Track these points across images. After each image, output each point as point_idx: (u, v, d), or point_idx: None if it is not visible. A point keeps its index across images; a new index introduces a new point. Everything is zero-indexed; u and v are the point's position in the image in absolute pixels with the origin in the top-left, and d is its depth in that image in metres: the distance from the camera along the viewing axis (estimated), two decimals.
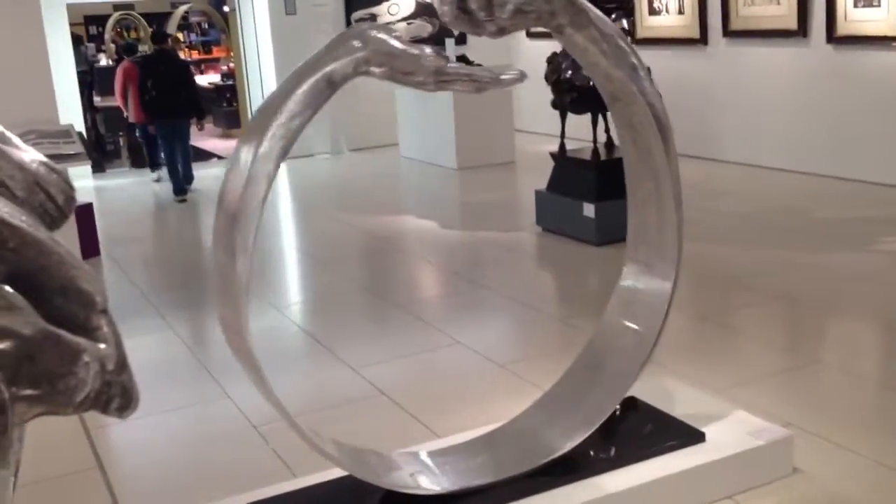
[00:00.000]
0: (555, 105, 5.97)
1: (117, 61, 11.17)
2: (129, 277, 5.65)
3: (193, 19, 18.47)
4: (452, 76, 1.96)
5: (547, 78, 5.95)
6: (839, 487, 2.70)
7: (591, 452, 2.68)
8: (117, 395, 0.90)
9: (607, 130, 5.81)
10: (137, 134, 9.91)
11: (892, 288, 4.55)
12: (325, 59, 1.95)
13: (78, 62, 10.52)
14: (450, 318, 4.53)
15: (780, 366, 3.66)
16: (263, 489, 2.57)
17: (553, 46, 5.86)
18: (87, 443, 3.31)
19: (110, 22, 16.51)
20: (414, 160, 9.47)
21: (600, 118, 5.80)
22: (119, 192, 9.20)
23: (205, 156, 11.14)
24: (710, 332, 4.17)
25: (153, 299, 5.11)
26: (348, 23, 9.93)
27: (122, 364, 0.91)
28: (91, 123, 11.35)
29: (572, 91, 5.67)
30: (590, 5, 2.22)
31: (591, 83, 4.55)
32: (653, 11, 8.70)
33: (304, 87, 1.92)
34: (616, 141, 4.49)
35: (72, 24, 10.48)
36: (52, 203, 0.94)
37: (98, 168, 9.88)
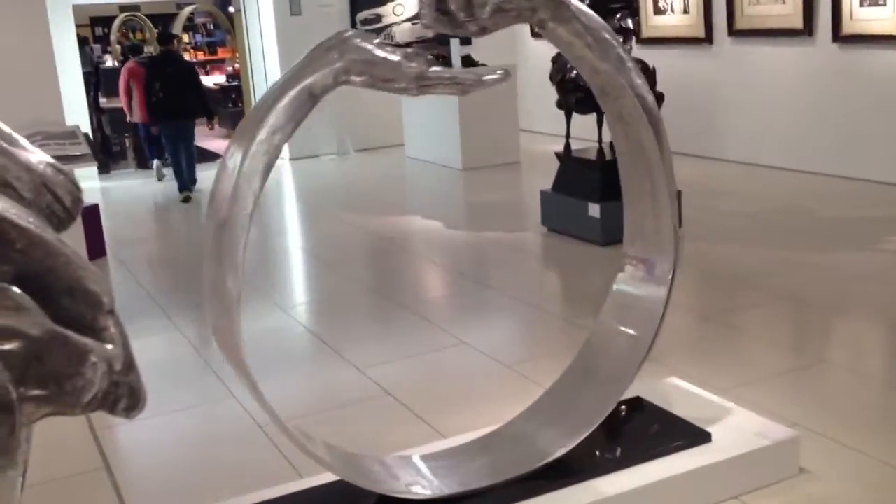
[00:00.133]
0: (560, 105, 5.97)
1: (123, 62, 11.22)
2: (135, 278, 5.66)
3: (199, 20, 18.49)
4: (434, 80, 1.95)
5: (552, 78, 5.94)
6: (846, 488, 2.70)
7: (597, 453, 2.67)
8: (125, 395, 0.90)
9: None
10: (140, 133, 9.98)
11: None
12: (305, 72, 1.93)
13: (83, 63, 10.55)
14: (455, 318, 4.53)
15: (785, 366, 3.65)
16: (269, 489, 2.57)
17: None
18: (94, 443, 3.32)
19: (116, 23, 16.55)
20: (419, 160, 9.47)
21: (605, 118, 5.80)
22: (125, 193, 9.22)
23: (210, 156, 11.16)
24: (715, 332, 4.16)
25: (159, 300, 5.12)
26: (353, 23, 9.93)
27: (130, 364, 0.91)
28: (97, 125, 11.38)
29: (577, 91, 5.67)
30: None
31: None
32: (658, 11, 8.69)
33: (285, 100, 1.91)
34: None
35: (77, 26, 10.51)
36: (60, 204, 0.95)
37: (104, 169, 9.92)
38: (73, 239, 0.92)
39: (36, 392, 0.81)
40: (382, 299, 5.06)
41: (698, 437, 2.69)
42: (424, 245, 6.17)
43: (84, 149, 5.27)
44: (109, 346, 0.88)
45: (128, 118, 10.10)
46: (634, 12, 5.92)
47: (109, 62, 14.42)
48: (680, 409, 2.86)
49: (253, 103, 11.05)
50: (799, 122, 7.51)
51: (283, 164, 10.12)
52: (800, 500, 2.63)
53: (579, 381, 2.68)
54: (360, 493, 2.36)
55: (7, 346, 0.80)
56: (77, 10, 10.67)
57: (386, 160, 9.83)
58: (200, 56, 17.21)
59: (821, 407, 3.23)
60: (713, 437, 2.69)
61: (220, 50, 17.70)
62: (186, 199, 8.26)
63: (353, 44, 1.94)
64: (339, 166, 9.84)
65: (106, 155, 10.71)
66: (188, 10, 17.41)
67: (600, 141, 5.83)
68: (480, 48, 9.68)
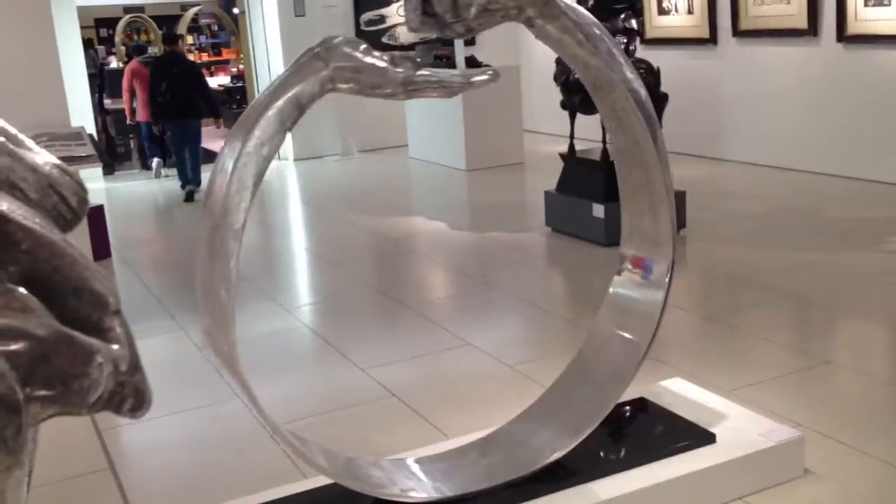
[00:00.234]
0: (564, 105, 5.97)
1: (127, 63, 11.26)
2: (140, 279, 5.68)
3: (203, 21, 18.54)
4: (421, 84, 1.93)
5: (556, 78, 5.94)
6: (850, 488, 2.69)
7: (601, 454, 2.67)
8: (130, 395, 0.91)
9: None
10: (142, 133, 10.04)
11: None
12: (291, 81, 1.92)
13: (87, 65, 10.59)
14: (460, 319, 4.54)
15: (790, 366, 3.64)
16: (274, 490, 2.57)
17: None
18: (99, 444, 3.32)
19: (120, 24, 16.60)
20: (423, 161, 9.48)
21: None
22: (129, 194, 9.24)
23: (214, 157, 11.20)
24: (719, 333, 4.15)
25: (164, 300, 5.13)
26: (357, 24, 9.96)
27: (135, 365, 0.91)
28: (101, 126, 11.42)
29: (581, 91, 5.66)
30: None
31: None
32: (662, 11, 8.69)
33: (272, 111, 1.89)
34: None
35: (82, 27, 10.53)
36: (66, 205, 0.95)
37: (108, 170, 9.96)
38: (79, 240, 0.93)
39: (42, 392, 0.82)
40: (387, 300, 5.06)
41: (702, 437, 2.68)
42: (428, 246, 6.17)
43: (89, 150, 5.29)
44: (115, 347, 0.88)
45: (128, 120, 10.19)
46: (638, 13, 5.92)
47: (114, 63, 14.47)
48: (684, 410, 2.86)
49: None
50: (803, 122, 7.50)
51: (288, 165, 10.13)
52: (804, 501, 2.63)
53: (576, 385, 2.66)
54: (362, 493, 2.36)
55: (13, 347, 0.80)
56: (82, 11, 10.70)
57: (390, 161, 9.84)
58: (205, 57, 17.24)
59: (825, 408, 3.22)
60: (717, 438, 2.68)
61: (224, 51, 17.75)
62: (189, 197, 8.27)
63: (339, 51, 1.92)
64: (343, 167, 9.85)
65: (110, 156, 10.75)
66: (192, 11, 17.46)
67: (604, 141, 5.82)
68: (484, 49, 9.70)
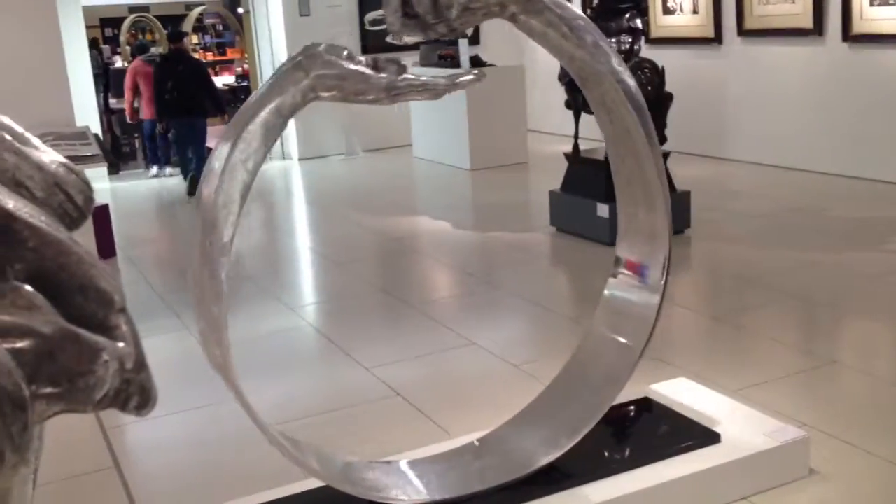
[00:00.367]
0: (568, 105, 5.96)
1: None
2: (145, 278, 5.69)
3: (208, 21, 18.57)
4: (405, 89, 1.92)
5: (560, 78, 5.94)
6: (856, 489, 2.69)
7: (606, 453, 2.67)
8: (136, 393, 0.91)
9: None
10: (145, 132, 10.09)
11: None
12: (273, 93, 1.90)
13: (91, 65, 10.63)
14: (464, 318, 4.53)
15: (795, 366, 3.64)
16: (278, 489, 2.58)
17: None
18: (104, 442, 3.33)
19: (126, 24, 16.64)
20: (427, 161, 9.48)
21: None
22: (134, 194, 9.26)
23: None
24: (725, 332, 4.15)
25: (168, 299, 5.13)
26: (362, 24, 9.97)
27: (141, 363, 0.91)
28: (107, 125, 11.45)
29: None
30: None
31: None
32: (667, 11, 8.68)
33: (256, 123, 1.88)
34: None
35: (87, 27, 10.56)
36: (72, 203, 0.95)
37: (113, 170, 10.00)
38: (84, 239, 0.93)
39: (48, 389, 0.82)
40: (391, 299, 5.06)
41: (707, 437, 2.68)
42: (433, 245, 6.17)
43: (94, 149, 5.30)
44: (121, 345, 0.88)
45: (128, 119, 10.24)
46: (643, 12, 5.91)
47: (119, 63, 14.50)
48: (688, 410, 2.85)
49: None
50: (809, 121, 7.49)
51: (292, 165, 10.15)
52: (809, 501, 2.63)
53: (571, 388, 2.64)
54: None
55: (20, 344, 0.80)
56: (87, 11, 10.72)
57: (394, 160, 9.84)
58: (209, 57, 17.27)
59: (831, 408, 3.21)
60: (722, 438, 2.68)
61: (229, 51, 17.77)
62: (192, 191, 8.30)
63: (320, 59, 1.90)
64: (348, 167, 9.85)
65: (115, 155, 10.78)
66: (197, 10, 17.49)
67: None
68: (489, 48, 9.70)
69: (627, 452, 2.71)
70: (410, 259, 6.01)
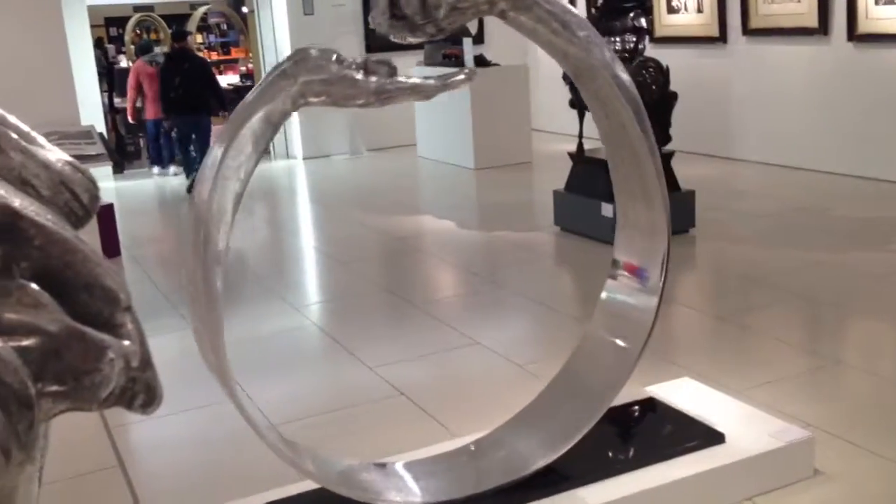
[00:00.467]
0: (572, 104, 5.96)
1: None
2: (149, 277, 5.69)
3: (212, 20, 18.58)
4: (395, 92, 1.91)
5: (565, 77, 5.92)
6: (861, 489, 2.68)
7: (610, 453, 2.67)
8: (141, 391, 0.91)
9: None
10: (149, 132, 10.12)
11: None
12: (262, 100, 1.88)
13: (96, 65, 10.66)
14: (468, 318, 4.53)
15: (800, 366, 3.63)
16: (283, 488, 2.58)
17: None
18: (108, 441, 3.33)
19: (130, 24, 16.66)
20: (431, 160, 9.48)
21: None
22: (139, 193, 9.28)
23: None
24: (729, 332, 4.14)
25: (173, 299, 5.14)
26: (367, 22, 9.97)
27: (146, 361, 0.92)
28: (111, 125, 11.47)
29: None
30: None
31: None
32: (671, 10, 8.67)
33: (245, 131, 1.86)
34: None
35: (92, 26, 10.58)
36: (77, 202, 0.95)
37: (118, 169, 10.03)
38: (89, 238, 0.93)
39: (54, 388, 0.82)
40: (395, 299, 5.06)
41: (712, 437, 2.68)
42: (437, 245, 6.17)
43: (99, 148, 5.31)
44: (126, 343, 0.88)
45: (130, 119, 10.28)
46: (648, 11, 5.91)
47: (124, 62, 14.52)
48: (693, 410, 2.85)
49: None
50: (814, 121, 7.47)
51: (297, 164, 10.15)
52: (814, 502, 2.62)
53: (567, 391, 2.63)
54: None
55: (26, 342, 0.80)
56: (92, 10, 10.74)
57: (398, 160, 9.85)
58: (214, 56, 17.29)
59: (836, 408, 3.21)
60: (727, 438, 2.67)
61: (233, 50, 17.78)
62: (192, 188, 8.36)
63: (307, 64, 1.88)
64: (352, 166, 9.86)
65: (120, 155, 10.81)
66: (202, 10, 17.50)
67: None
68: (493, 47, 9.69)
69: (631, 452, 2.71)
70: (414, 258, 6.01)
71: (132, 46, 15.17)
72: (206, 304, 1.90)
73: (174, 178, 9.70)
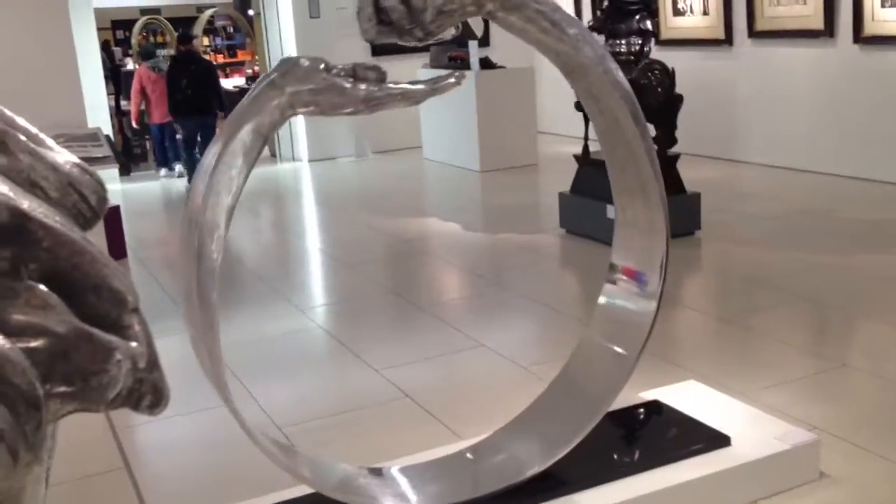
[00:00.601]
0: (578, 107, 5.95)
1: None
2: (155, 279, 5.71)
3: (219, 23, 18.63)
4: (384, 99, 1.90)
5: None
6: (867, 492, 2.67)
7: (616, 456, 2.67)
8: (148, 392, 0.91)
9: None
10: (154, 136, 10.18)
11: None
12: (250, 113, 1.87)
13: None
14: (473, 320, 4.53)
15: (806, 369, 3.62)
16: (288, 490, 2.58)
17: None
18: (115, 443, 3.34)
19: (137, 26, 16.72)
20: (437, 163, 9.49)
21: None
22: (145, 195, 9.30)
23: None
24: (735, 335, 4.13)
25: (179, 300, 5.14)
26: None
27: (154, 362, 0.92)
28: (118, 127, 11.51)
29: None
30: None
31: None
32: (677, 12, 8.66)
33: (235, 144, 1.86)
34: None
35: (99, 29, 10.63)
36: (86, 204, 0.96)
37: (125, 171, 10.08)
38: (95, 240, 0.93)
39: (62, 389, 0.82)
40: (401, 301, 5.07)
41: (717, 440, 2.67)
42: (442, 247, 6.17)
43: (106, 151, 5.32)
44: (134, 344, 0.89)
45: (133, 123, 10.34)
46: (653, 14, 5.91)
47: (130, 65, 14.56)
48: (699, 413, 2.85)
49: None
50: (819, 123, 7.46)
51: (302, 167, 10.17)
52: None
53: (565, 394, 2.62)
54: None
55: (33, 343, 0.81)
56: (98, 13, 10.79)
57: (404, 162, 9.85)
58: (220, 59, 17.33)
59: (842, 411, 3.20)
60: (732, 441, 2.67)
61: (239, 53, 17.82)
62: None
63: (295, 74, 1.87)
64: (357, 168, 9.87)
65: (127, 157, 10.85)
66: (208, 13, 17.55)
67: None
68: (498, 50, 9.69)
69: (637, 455, 2.70)
70: (420, 261, 6.01)
71: (139, 49, 15.22)
72: (202, 318, 1.90)
73: (180, 181, 9.72)
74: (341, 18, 10.02)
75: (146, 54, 10.71)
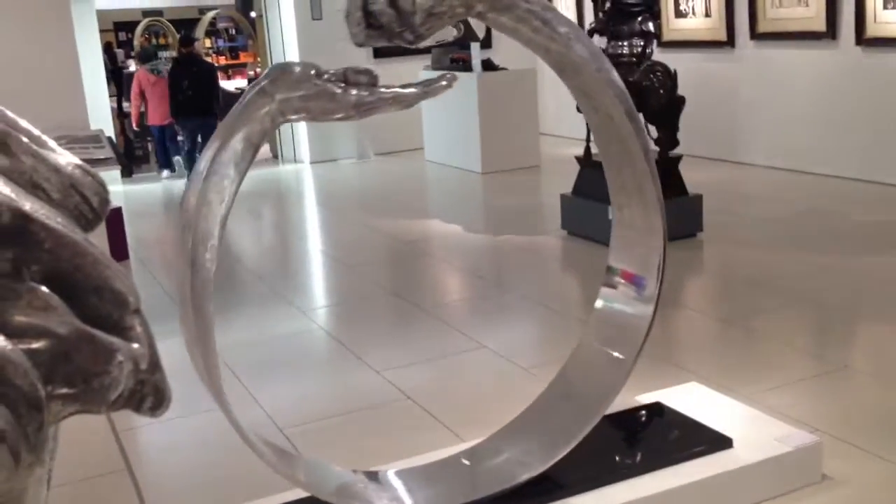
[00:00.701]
0: (580, 108, 5.96)
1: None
2: (157, 280, 5.71)
3: (221, 25, 18.66)
4: (375, 103, 1.89)
5: None
6: (869, 495, 2.67)
7: (618, 458, 2.66)
8: (150, 394, 0.91)
9: None
10: (155, 137, 10.22)
11: None
12: (241, 122, 1.87)
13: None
14: (475, 321, 4.53)
15: (808, 371, 3.62)
16: (290, 492, 2.58)
17: None
18: (116, 445, 3.34)
19: (139, 28, 16.74)
20: (439, 164, 9.49)
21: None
22: (147, 197, 9.31)
23: None
24: (737, 337, 4.13)
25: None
26: None
27: (155, 364, 0.92)
28: (120, 129, 11.52)
29: None
30: None
31: None
32: (679, 14, 8.66)
33: (227, 153, 1.85)
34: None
35: (101, 31, 10.65)
36: (87, 205, 0.96)
37: (126, 173, 10.10)
38: (97, 241, 0.93)
39: (63, 390, 0.83)
40: (402, 302, 5.07)
41: (719, 442, 2.67)
42: (444, 248, 6.18)
43: (108, 152, 5.33)
44: (135, 346, 0.89)
45: (134, 125, 10.38)
46: (655, 15, 5.90)
47: (132, 67, 14.58)
48: (700, 414, 2.84)
49: None
50: (822, 125, 7.45)
51: (304, 168, 10.17)
52: None
53: (562, 398, 2.62)
54: None
55: (35, 345, 0.81)
56: (101, 15, 10.81)
57: (405, 164, 9.86)
58: (222, 60, 17.35)
59: (844, 412, 3.20)
60: (734, 443, 2.67)
61: (241, 54, 17.84)
62: None
63: (285, 81, 1.86)
64: (359, 170, 9.87)
65: (129, 158, 10.87)
66: (210, 14, 17.57)
67: None
68: (501, 51, 9.69)
69: (639, 457, 2.70)
70: (421, 262, 6.01)
71: (138, 51, 15.25)
72: (197, 328, 1.91)
73: (180, 181, 9.73)
74: (343, 21, 10.03)
75: (145, 57, 10.74)
